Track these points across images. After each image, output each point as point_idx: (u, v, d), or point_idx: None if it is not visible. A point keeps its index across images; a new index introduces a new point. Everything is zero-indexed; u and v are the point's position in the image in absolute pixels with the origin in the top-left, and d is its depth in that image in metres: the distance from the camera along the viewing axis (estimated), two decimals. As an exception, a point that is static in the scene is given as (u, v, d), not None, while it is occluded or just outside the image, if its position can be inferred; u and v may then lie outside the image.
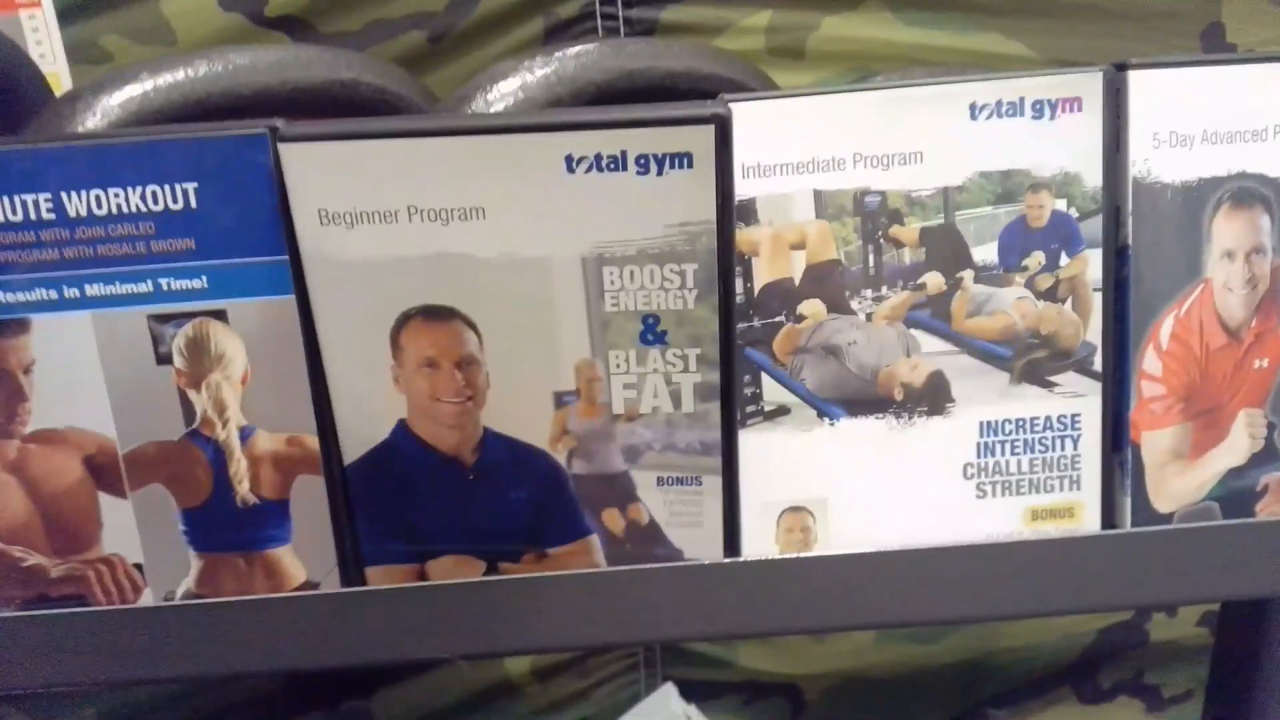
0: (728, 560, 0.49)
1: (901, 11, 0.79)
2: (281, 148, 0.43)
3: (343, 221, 0.43)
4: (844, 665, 0.98)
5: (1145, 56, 0.47)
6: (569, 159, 0.42)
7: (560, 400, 0.46)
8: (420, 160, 0.43)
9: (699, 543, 0.49)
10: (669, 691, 0.94)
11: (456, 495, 0.47)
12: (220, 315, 0.45)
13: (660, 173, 0.42)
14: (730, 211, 0.45)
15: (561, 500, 0.48)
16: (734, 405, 0.47)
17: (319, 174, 0.43)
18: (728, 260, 0.45)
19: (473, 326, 0.45)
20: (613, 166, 0.42)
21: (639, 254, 0.44)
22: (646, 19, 0.79)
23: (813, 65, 0.80)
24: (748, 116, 0.48)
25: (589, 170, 0.42)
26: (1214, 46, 0.80)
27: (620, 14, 0.79)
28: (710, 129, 0.41)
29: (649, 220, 0.43)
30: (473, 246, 0.44)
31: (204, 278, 0.45)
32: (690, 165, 0.42)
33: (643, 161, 0.42)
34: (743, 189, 0.48)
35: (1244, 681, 0.69)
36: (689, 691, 0.93)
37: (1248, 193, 0.49)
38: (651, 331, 0.45)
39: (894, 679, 0.99)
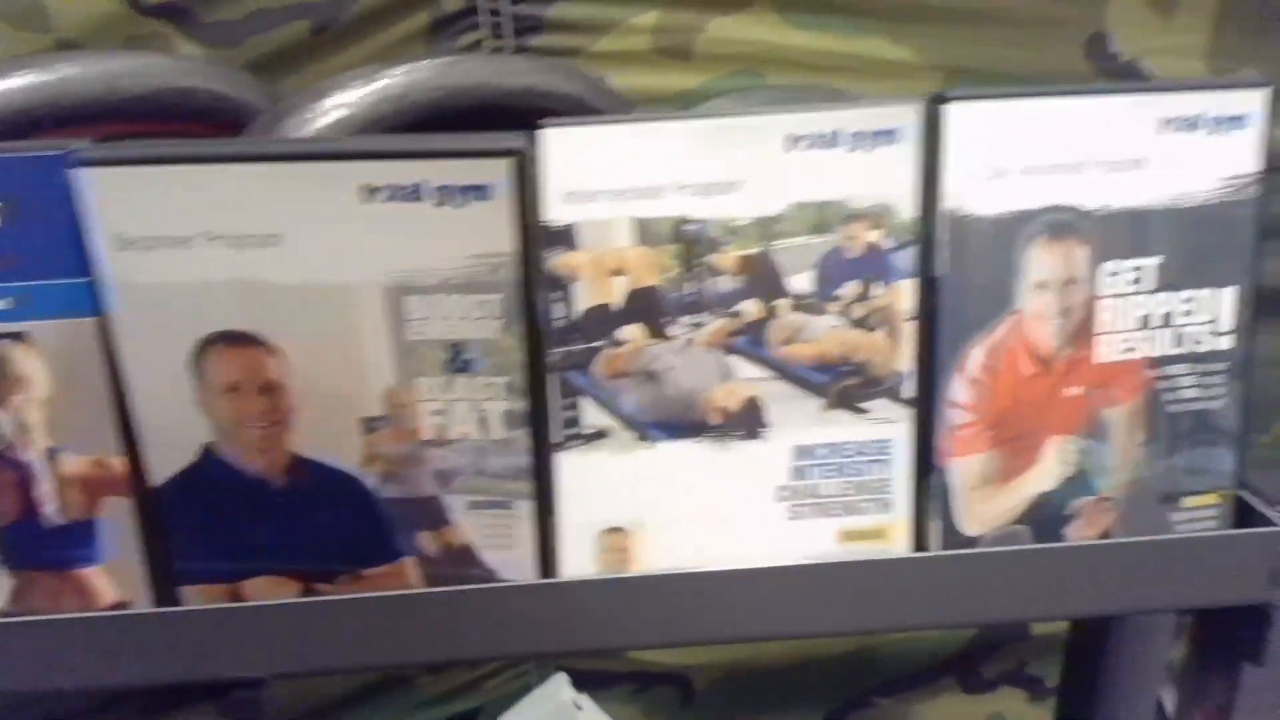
0: (541, 581, 0.50)
1: (788, 13, 0.79)
2: (77, 171, 0.42)
3: (140, 245, 0.43)
4: (733, 655, 0.99)
5: (964, 90, 0.48)
6: (366, 188, 0.42)
7: (370, 425, 0.46)
8: (216, 185, 0.43)
9: (512, 564, 0.50)
10: (560, 680, 0.96)
11: (268, 517, 0.48)
12: (20, 337, 0.45)
13: (459, 204, 0.42)
14: (534, 242, 0.45)
15: (375, 523, 0.48)
16: (544, 430, 0.48)
17: (115, 197, 0.43)
18: (533, 291, 0.45)
19: (276, 351, 0.45)
20: (409, 196, 0.42)
21: (442, 283, 0.44)
22: (532, 15, 0.78)
23: (701, 66, 0.80)
24: (568, 142, 0.48)
25: (386, 200, 0.42)
26: (1098, 55, 0.81)
27: (505, 10, 0.79)
28: (509, 161, 0.41)
29: (450, 250, 0.43)
30: (271, 273, 0.44)
31: (7, 298, 0.45)
32: (489, 197, 0.42)
33: (441, 192, 0.42)
34: (563, 214, 0.48)
35: (1092, 685, 0.71)
36: (580, 681, 0.95)
37: (1063, 225, 0.50)
38: (458, 360, 0.45)
39: (783, 669, 1.01)
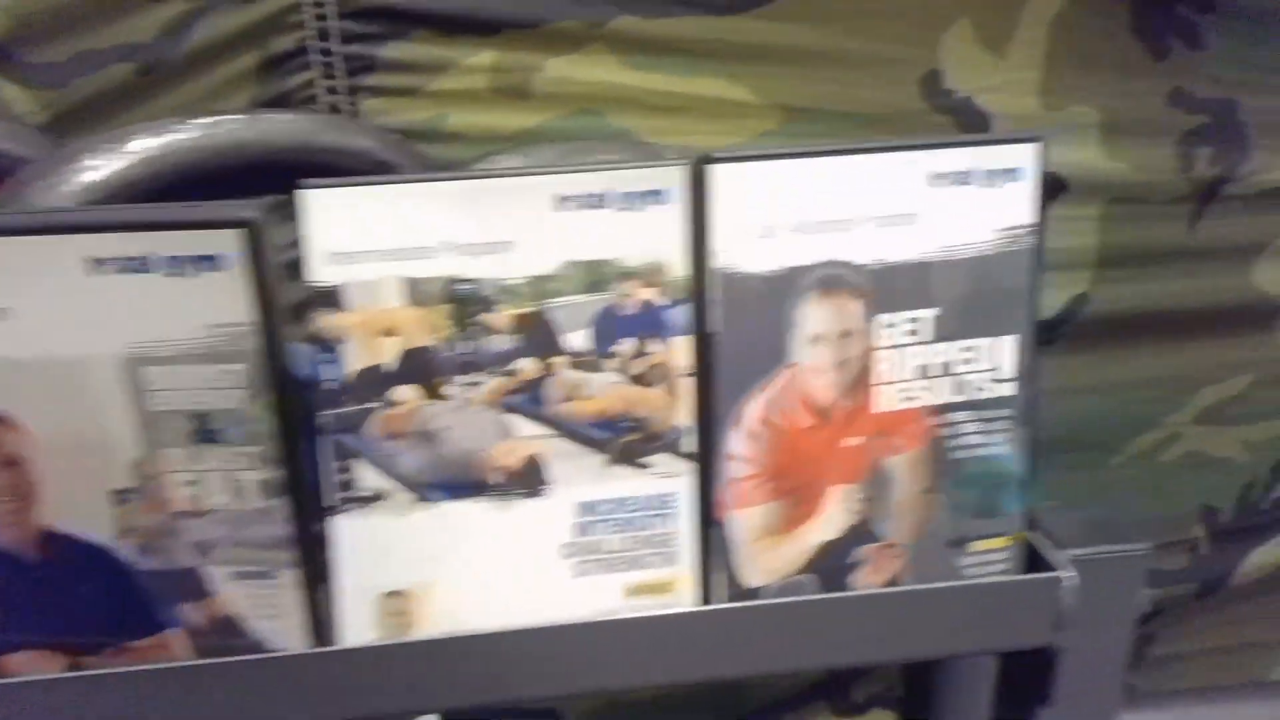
0: (313, 650, 0.49)
1: (625, 55, 0.79)
2: None
3: None
4: (602, 690, 0.99)
5: (729, 151, 0.48)
6: (92, 260, 0.41)
7: (121, 497, 0.45)
8: (-60, 258, 0.41)
9: (281, 633, 0.49)
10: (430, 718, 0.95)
11: (24, 591, 0.46)
12: None
13: (191, 274, 0.41)
14: (276, 312, 0.44)
15: (136, 594, 0.47)
16: (307, 498, 0.47)
17: None
18: (279, 360, 0.44)
19: (15, 426, 0.43)
20: (138, 268, 0.40)
21: (182, 354, 0.43)
22: (364, 55, 0.77)
23: (538, 106, 0.80)
24: (328, 203, 0.47)
25: (115, 271, 0.41)
26: (933, 92, 0.82)
27: (337, 50, 0.78)
28: (241, 232, 0.41)
29: (186, 321, 0.42)
30: (4, 347, 0.42)
31: None
32: (222, 267, 0.41)
33: (171, 263, 0.41)
34: (328, 275, 0.47)
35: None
36: (451, 716, 0.94)
37: (835, 279, 0.51)
38: (204, 430, 0.44)
39: (656, 698, 1.01)
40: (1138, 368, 0.93)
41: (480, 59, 0.79)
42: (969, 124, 0.83)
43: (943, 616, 0.53)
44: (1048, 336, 0.91)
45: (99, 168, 0.47)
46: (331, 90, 0.79)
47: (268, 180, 0.55)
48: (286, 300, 0.43)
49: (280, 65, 0.78)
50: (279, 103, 0.79)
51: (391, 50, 0.78)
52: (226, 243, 0.41)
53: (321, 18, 0.78)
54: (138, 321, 0.42)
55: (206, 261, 0.41)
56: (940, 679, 0.73)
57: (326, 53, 0.78)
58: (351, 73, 0.78)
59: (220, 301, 0.42)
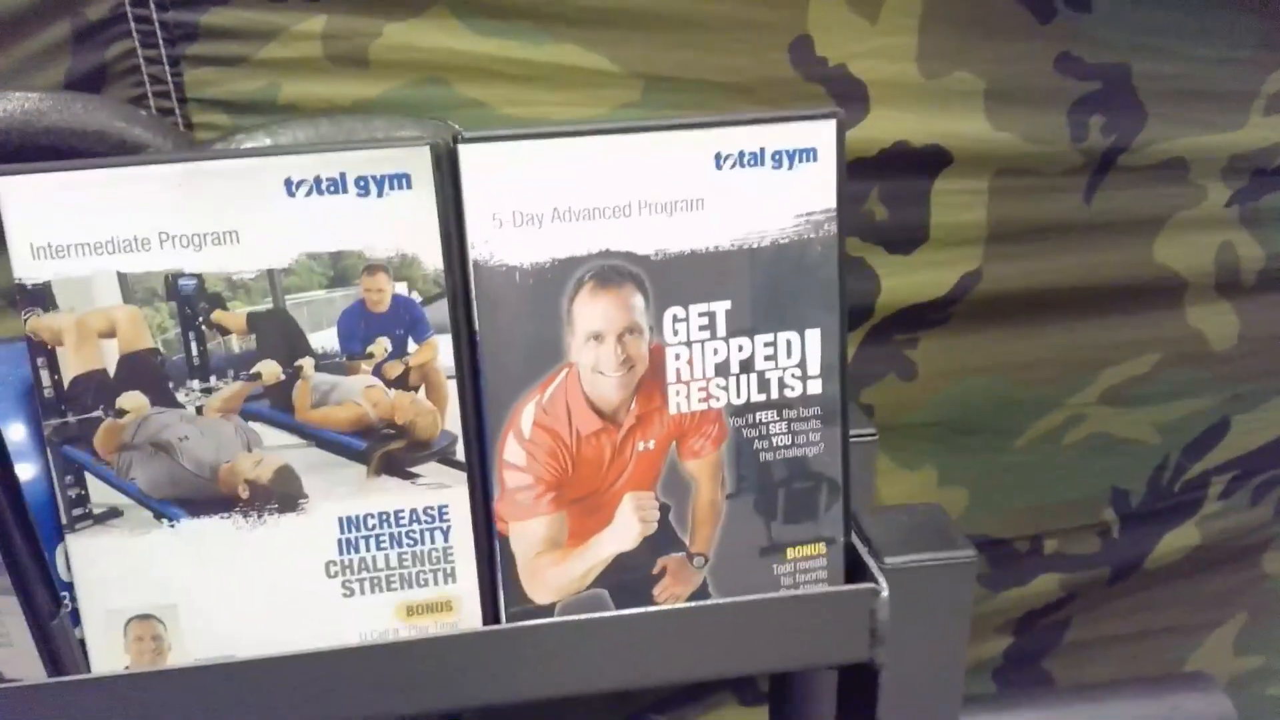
0: (50, 680, 0.45)
1: (470, 19, 0.73)
2: None
3: None
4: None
5: (480, 131, 0.43)
6: None
7: None
8: None
9: (14, 661, 0.44)
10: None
11: None
12: None
13: None
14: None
15: None
16: (25, 518, 0.43)
17: None
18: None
19: None
20: None
21: None
22: (185, 22, 0.72)
23: (378, 74, 0.74)
24: (29, 192, 0.42)
25: None
26: (804, 60, 0.77)
27: (155, 17, 0.72)
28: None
29: None
30: None
31: None
32: None
33: None
34: (36, 272, 0.43)
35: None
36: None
37: (614, 271, 0.46)
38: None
39: (544, 696, 0.98)
40: (1036, 347, 0.88)
41: (311, 25, 0.73)
42: (842, 93, 0.77)
43: (749, 631, 0.49)
44: (940, 315, 0.87)
45: None
46: (152, 60, 0.74)
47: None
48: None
49: (97, 33, 0.72)
50: (96, 75, 0.74)
51: (215, 16, 0.73)
52: None
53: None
54: None
55: None
56: (798, 683, 0.69)
57: (145, 20, 0.73)
58: (172, 41, 0.73)
59: None
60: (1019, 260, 0.85)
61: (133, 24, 0.72)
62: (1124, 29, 0.79)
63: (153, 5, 0.72)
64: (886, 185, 0.82)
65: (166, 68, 0.73)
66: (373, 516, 0.46)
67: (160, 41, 0.73)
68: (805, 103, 0.79)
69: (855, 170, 0.82)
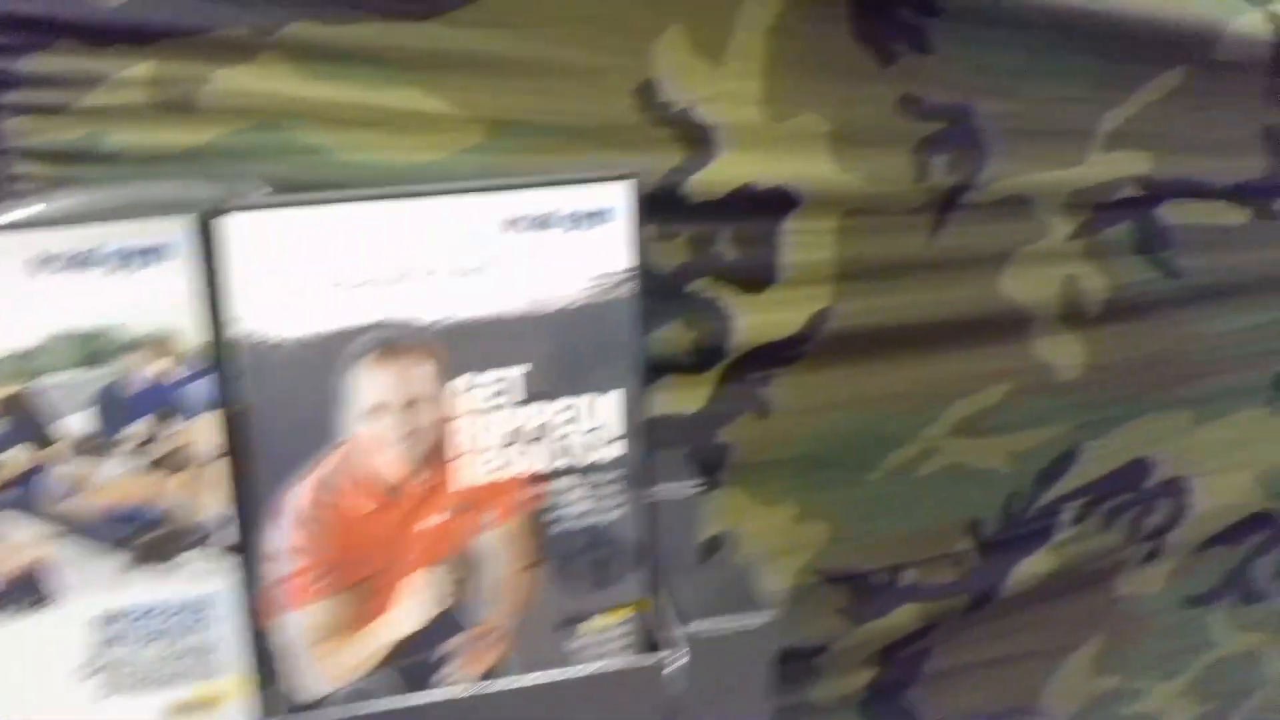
0: None
1: (305, 64, 0.71)
2: None
3: None
4: None
5: (244, 198, 0.42)
6: None
7: None
8: None
9: None
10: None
11: None
12: None
13: None
14: None
15: None
16: None
17: None
18: None
19: None
20: None
21: None
22: (6, 71, 0.68)
23: (209, 121, 0.72)
24: None
25: None
26: (649, 104, 0.77)
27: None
28: None
29: None
30: None
31: None
32: None
33: None
34: None
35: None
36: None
37: (395, 340, 0.45)
38: None
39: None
40: (887, 382, 0.89)
41: (136, 71, 0.70)
42: (690, 136, 0.77)
43: (546, 706, 0.48)
44: (793, 353, 0.88)
45: None
46: (-38, 108, 0.70)
47: None
48: None
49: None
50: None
51: (34, 63, 0.69)
52: None
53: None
54: None
55: None
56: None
57: (-48, 67, 0.70)
58: (-12, 88, 0.69)
59: None
60: (869, 297, 0.86)
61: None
62: (964, 70, 0.81)
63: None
64: (735, 226, 0.82)
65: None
66: (133, 610, 0.44)
67: (-28, 86, 0.69)
68: (653, 146, 0.79)
69: (704, 212, 0.82)
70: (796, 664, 1.06)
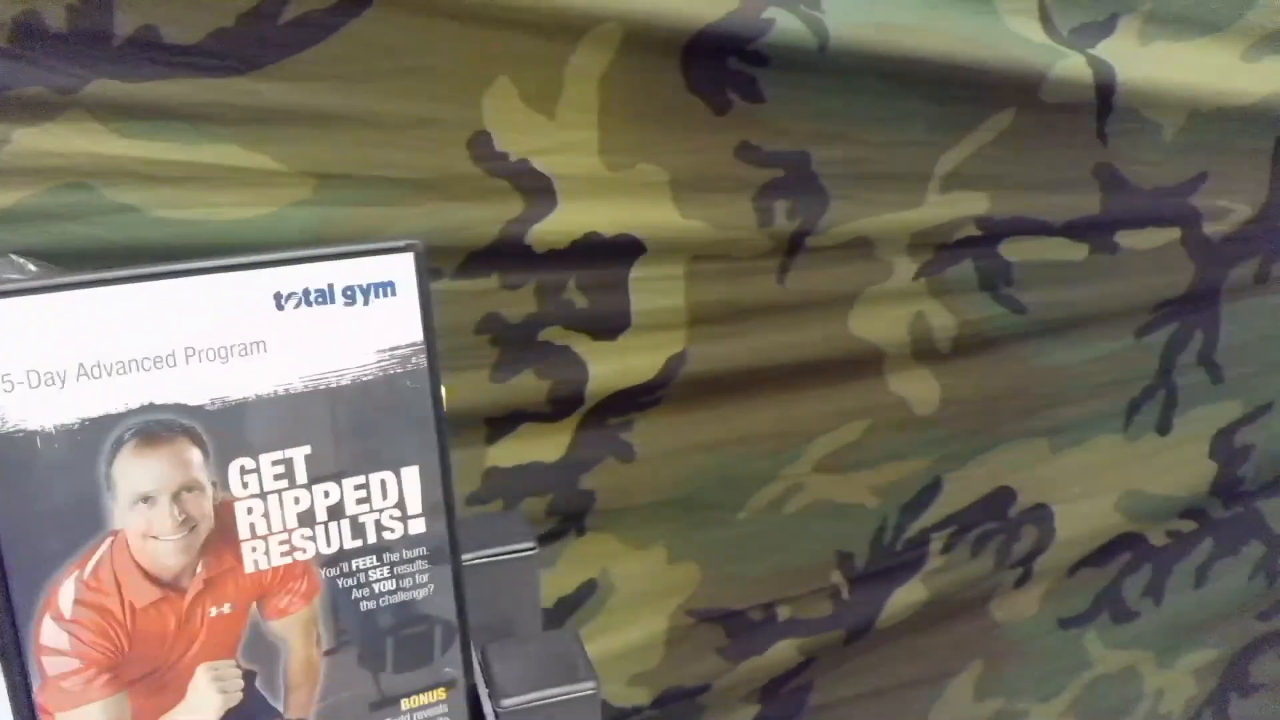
0: None
1: (112, 122, 0.69)
2: None
3: None
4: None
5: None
6: None
7: None
8: None
9: None
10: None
11: None
12: None
13: None
14: None
15: None
16: None
17: None
18: None
19: None
20: None
21: None
22: None
23: (13, 182, 0.68)
24: None
25: None
26: (485, 155, 0.76)
27: None
28: None
29: None
30: None
31: None
32: None
33: None
34: None
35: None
36: None
37: (161, 426, 0.42)
38: None
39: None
40: (747, 422, 0.90)
41: (-69, 134, 0.67)
42: (530, 187, 0.77)
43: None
44: (651, 398, 0.88)
45: None
46: None
47: None
48: None
49: None
50: None
51: None
52: None
53: None
54: None
55: None
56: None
57: None
58: None
59: None
60: (722, 341, 0.87)
61: None
62: (800, 118, 0.82)
63: None
64: (583, 274, 0.82)
65: None
66: None
67: None
68: (491, 197, 0.78)
69: (550, 260, 0.81)
70: (680, 703, 1.05)
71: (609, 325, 0.84)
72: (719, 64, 0.78)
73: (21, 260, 0.56)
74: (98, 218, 0.72)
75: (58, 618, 0.41)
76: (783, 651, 0.99)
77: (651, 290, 0.83)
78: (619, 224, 0.80)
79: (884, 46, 0.80)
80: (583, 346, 0.84)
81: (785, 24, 0.76)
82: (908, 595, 1.02)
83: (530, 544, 0.59)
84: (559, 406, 0.86)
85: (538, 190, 0.78)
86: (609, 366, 0.84)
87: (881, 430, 0.94)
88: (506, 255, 0.79)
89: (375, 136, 0.75)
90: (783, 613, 0.98)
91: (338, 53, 0.72)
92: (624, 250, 0.82)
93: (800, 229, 0.85)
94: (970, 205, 0.90)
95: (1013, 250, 0.93)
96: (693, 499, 0.91)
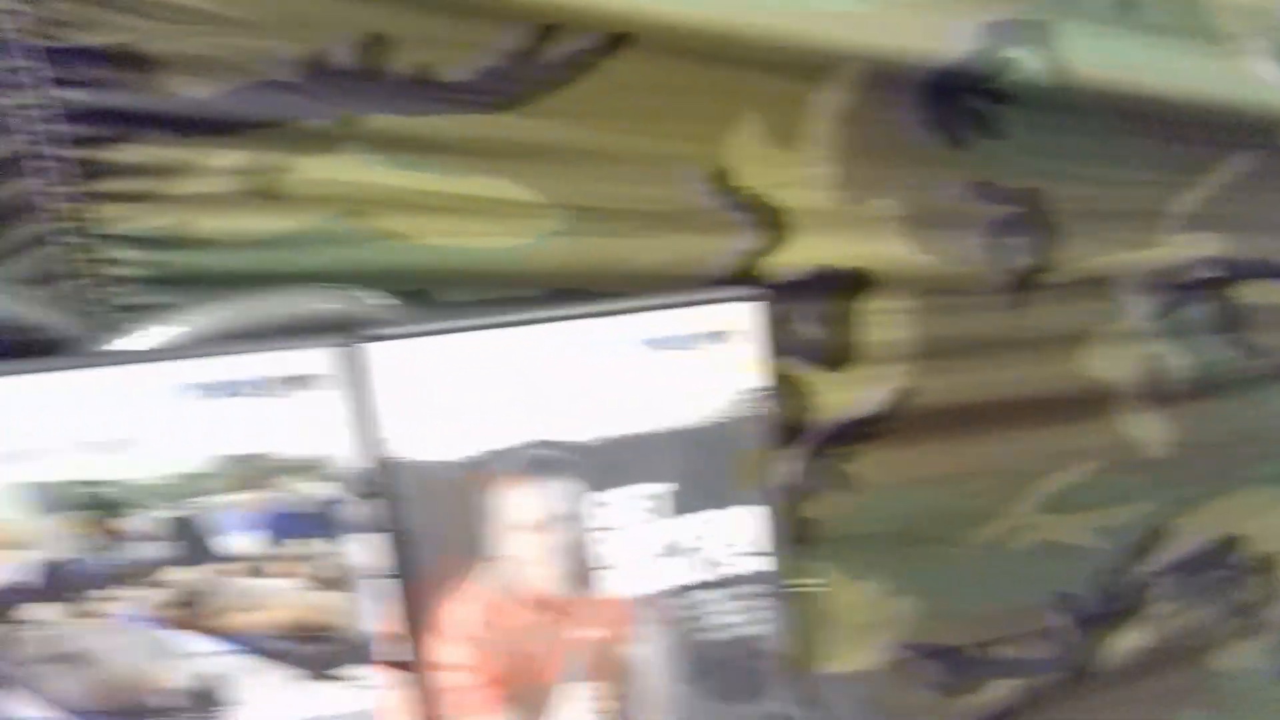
0: None
1: (385, 154, 0.72)
2: None
3: None
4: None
5: (390, 326, 0.42)
6: None
7: None
8: None
9: None
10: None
11: None
12: None
13: None
14: None
15: None
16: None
17: None
18: None
19: None
20: None
21: None
22: (92, 160, 0.69)
23: (293, 209, 0.72)
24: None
25: None
26: (723, 190, 0.77)
27: (61, 154, 0.69)
28: None
29: None
30: None
31: None
32: None
33: None
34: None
35: None
36: None
37: (539, 461, 0.44)
38: None
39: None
40: (973, 458, 0.88)
41: (223, 160, 0.71)
42: (764, 222, 0.78)
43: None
44: (874, 430, 0.87)
45: None
46: (54, 197, 0.70)
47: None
48: None
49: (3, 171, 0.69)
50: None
51: (123, 153, 0.70)
52: None
53: (40, 121, 0.70)
54: None
55: None
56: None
57: (42, 157, 0.70)
58: (78, 179, 0.70)
59: None
60: (949, 376, 0.85)
61: (38, 162, 0.70)
62: (1036, 155, 0.80)
63: (55, 144, 0.69)
64: (812, 306, 0.82)
65: (73, 205, 0.70)
66: None
67: (67, 178, 0.70)
68: (727, 230, 0.79)
69: (780, 292, 0.81)
70: (892, 738, 1.03)
71: (835, 357, 0.83)
72: (957, 101, 0.78)
73: (384, 295, 0.58)
74: (369, 243, 0.76)
75: (448, 635, 0.43)
76: (998, 690, 0.96)
77: (880, 323, 0.82)
78: (851, 257, 0.80)
79: (1122, 86, 0.78)
80: (807, 377, 0.84)
81: (1024, 62, 0.76)
82: (1127, 640, 0.98)
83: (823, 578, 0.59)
84: (783, 435, 0.86)
85: (772, 224, 0.79)
86: (834, 397, 0.84)
87: (1110, 471, 0.91)
88: (739, 286, 0.80)
89: (621, 171, 0.77)
90: (1000, 651, 0.95)
91: (591, 91, 0.74)
92: (853, 283, 0.82)
93: (1033, 266, 0.83)
94: (1207, 246, 0.87)
95: (1250, 293, 0.89)
96: (914, 533, 0.89)
